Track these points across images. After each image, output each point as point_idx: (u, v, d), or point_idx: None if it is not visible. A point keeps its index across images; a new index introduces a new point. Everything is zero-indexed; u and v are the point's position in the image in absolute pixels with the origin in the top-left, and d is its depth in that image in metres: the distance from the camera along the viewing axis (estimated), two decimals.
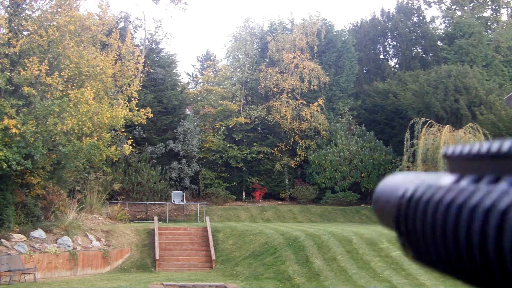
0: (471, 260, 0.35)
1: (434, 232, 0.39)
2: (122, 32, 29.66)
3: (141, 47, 32.43)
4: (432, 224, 0.39)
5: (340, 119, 34.52)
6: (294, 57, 34.49)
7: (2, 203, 19.93)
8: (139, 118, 25.36)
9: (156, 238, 22.38)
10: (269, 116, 33.98)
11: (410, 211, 0.43)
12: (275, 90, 34.41)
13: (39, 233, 20.55)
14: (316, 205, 32.12)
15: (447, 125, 27.58)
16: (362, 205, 31.92)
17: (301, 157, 33.82)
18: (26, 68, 20.05)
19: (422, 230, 0.41)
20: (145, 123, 26.95)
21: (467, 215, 0.35)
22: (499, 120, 27.40)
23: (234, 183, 33.34)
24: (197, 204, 29.05)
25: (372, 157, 32.41)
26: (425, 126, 27.72)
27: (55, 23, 21.44)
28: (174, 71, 36.17)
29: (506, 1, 44.99)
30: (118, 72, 26.08)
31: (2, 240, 19.37)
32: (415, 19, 41.78)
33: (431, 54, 41.02)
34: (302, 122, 33.95)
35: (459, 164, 0.42)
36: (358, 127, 34.23)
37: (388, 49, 42.63)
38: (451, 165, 0.43)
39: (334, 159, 32.33)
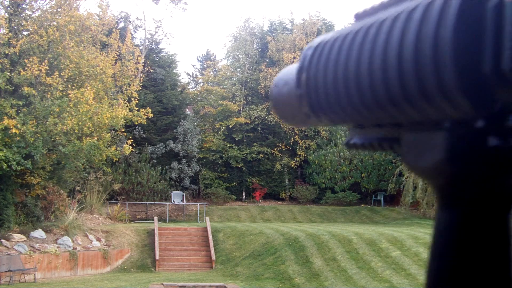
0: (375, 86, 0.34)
1: (341, 64, 0.38)
2: (122, 32, 29.66)
3: (141, 47, 32.42)
4: (338, 56, 0.39)
5: None
6: (294, 57, 34.48)
7: (2, 203, 19.92)
8: (139, 118, 25.36)
9: (156, 238, 22.37)
10: (269, 116, 33.97)
11: (315, 54, 0.42)
12: None
13: (39, 233, 20.54)
14: (316, 205, 32.11)
15: None
16: (362, 205, 31.90)
17: (301, 157, 33.83)
18: (26, 68, 20.05)
19: (326, 67, 0.40)
20: (145, 123, 26.96)
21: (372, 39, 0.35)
22: None
23: (234, 183, 33.33)
24: (197, 204, 29.05)
25: (372, 157, 32.40)
26: None
27: (55, 23, 21.45)
28: (174, 71, 36.16)
29: None
30: (118, 72, 26.08)
31: (2, 240, 19.36)
32: None
33: None
34: None
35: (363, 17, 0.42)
36: None
37: None
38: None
39: (334, 159, 32.33)
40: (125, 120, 24.17)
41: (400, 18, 0.33)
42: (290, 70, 0.46)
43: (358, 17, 0.42)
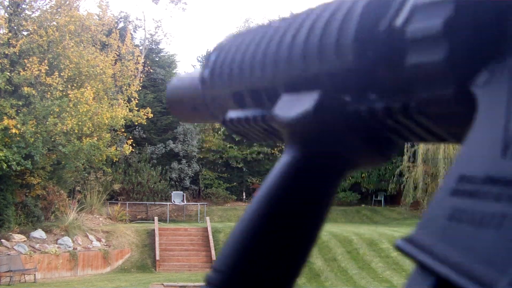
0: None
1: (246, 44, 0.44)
2: (122, 32, 29.63)
3: (141, 47, 32.40)
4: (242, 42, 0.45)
5: None
6: None
7: (2, 203, 19.90)
8: (139, 118, 25.33)
9: (157, 238, 22.35)
10: None
11: (225, 45, 0.48)
12: None
13: (39, 233, 20.52)
14: None
15: None
16: (363, 205, 31.88)
17: None
18: (26, 68, 20.03)
19: (236, 51, 0.46)
20: (145, 123, 26.93)
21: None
22: None
23: (235, 184, 33.31)
24: (197, 204, 29.02)
25: None
26: None
27: (55, 23, 21.43)
28: (174, 71, 36.16)
29: None
30: (118, 72, 26.05)
31: (2, 240, 19.34)
32: None
33: None
34: None
35: None
36: None
37: None
38: None
39: None
40: (125, 120, 24.15)
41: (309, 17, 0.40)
42: (187, 73, 0.52)
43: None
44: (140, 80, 28.54)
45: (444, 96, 0.30)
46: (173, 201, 28.71)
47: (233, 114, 0.48)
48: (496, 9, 0.27)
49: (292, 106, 0.40)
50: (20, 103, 19.87)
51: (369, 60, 0.34)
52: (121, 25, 32.97)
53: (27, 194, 21.55)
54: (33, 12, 22.00)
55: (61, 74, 20.67)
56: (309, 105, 0.38)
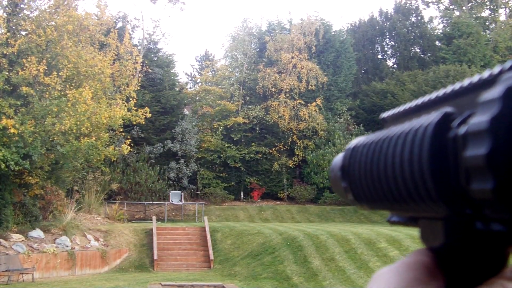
0: (397, 185, 0.42)
1: (368, 169, 0.47)
2: (120, 32, 29.65)
3: (139, 47, 32.42)
4: (366, 161, 0.48)
5: (338, 119, 34.54)
6: (292, 57, 34.51)
7: (1, 203, 19.92)
8: (137, 118, 25.36)
9: (155, 238, 22.38)
10: (267, 116, 33.98)
11: (352, 155, 0.51)
12: (273, 90, 34.41)
13: (37, 233, 20.53)
14: (314, 205, 32.14)
15: None
16: None
17: (299, 157, 33.84)
18: (24, 68, 20.05)
19: (359, 168, 0.49)
20: (143, 123, 26.96)
21: (392, 145, 0.44)
22: None
23: (232, 183, 33.35)
24: (195, 204, 29.05)
25: None
26: None
27: (53, 23, 21.45)
28: (172, 71, 36.19)
29: (504, 1, 45.06)
30: (116, 72, 26.08)
31: (0, 240, 19.35)
32: (413, 19, 41.85)
33: (429, 54, 41.07)
34: (300, 122, 33.97)
35: (390, 122, 0.53)
36: (356, 127, 34.26)
37: (386, 49, 42.68)
38: (385, 125, 0.54)
39: (332, 159, 32.25)
40: (123, 120, 24.17)
41: (400, 137, 0.42)
42: (338, 160, 0.55)
43: (384, 121, 0.54)
44: (138, 80, 28.57)
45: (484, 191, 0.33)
46: (171, 201, 28.74)
47: (395, 218, 0.52)
48: None
49: (431, 235, 0.44)
50: (19, 103, 19.88)
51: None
52: (119, 25, 32.99)
53: (25, 193, 21.57)
54: (31, 12, 22.02)
55: (60, 74, 20.69)
56: (441, 236, 0.43)
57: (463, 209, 0.38)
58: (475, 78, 0.39)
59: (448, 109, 0.40)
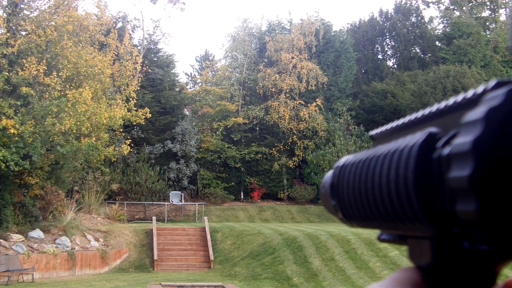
0: (385, 202, 0.43)
1: (356, 187, 0.48)
2: (120, 32, 29.65)
3: (139, 47, 32.40)
4: (354, 180, 0.49)
5: (338, 119, 34.51)
6: (292, 57, 34.49)
7: (1, 203, 19.92)
8: (137, 118, 25.34)
9: (155, 238, 22.38)
10: (267, 116, 33.96)
11: (340, 174, 0.52)
12: (273, 90, 34.40)
13: (37, 233, 20.52)
14: (315, 205, 32.12)
15: None
16: None
17: (299, 157, 33.82)
18: (24, 68, 20.04)
19: (347, 187, 0.50)
20: (143, 123, 26.94)
21: (379, 163, 0.44)
22: None
23: (232, 183, 33.33)
24: (195, 204, 29.04)
25: None
26: None
27: (53, 23, 21.44)
28: (173, 71, 36.17)
29: (504, 1, 45.04)
30: (116, 72, 26.06)
31: (0, 240, 19.35)
32: (413, 19, 41.82)
33: (429, 54, 41.05)
34: (300, 122, 33.95)
35: (378, 140, 0.54)
36: (356, 127, 34.24)
37: (386, 49, 42.64)
38: (374, 142, 0.55)
39: (332, 159, 32.33)
40: (123, 120, 24.15)
41: (386, 157, 0.43)
42: (328, 177, 0.56)
43: (373, 139, 0.56)
44: (138, 80, 28.56)
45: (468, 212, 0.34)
46: (171, 201, 28.73)
47: (385, 236, 0.52)
48: None
49: (419, 253, 0.44)
50: (19, 103, 19.87)
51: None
52: (119, 25, 32.98)
53: (25, 194, 21.56)
54: (31, 12, 22.00)
55: (60, 74, 20.67)
56: (429, 255, 0.43)
57: (450, 229, 0.38)
58: (460, 97, 0.40)
59: (433, 129, 0.41)
